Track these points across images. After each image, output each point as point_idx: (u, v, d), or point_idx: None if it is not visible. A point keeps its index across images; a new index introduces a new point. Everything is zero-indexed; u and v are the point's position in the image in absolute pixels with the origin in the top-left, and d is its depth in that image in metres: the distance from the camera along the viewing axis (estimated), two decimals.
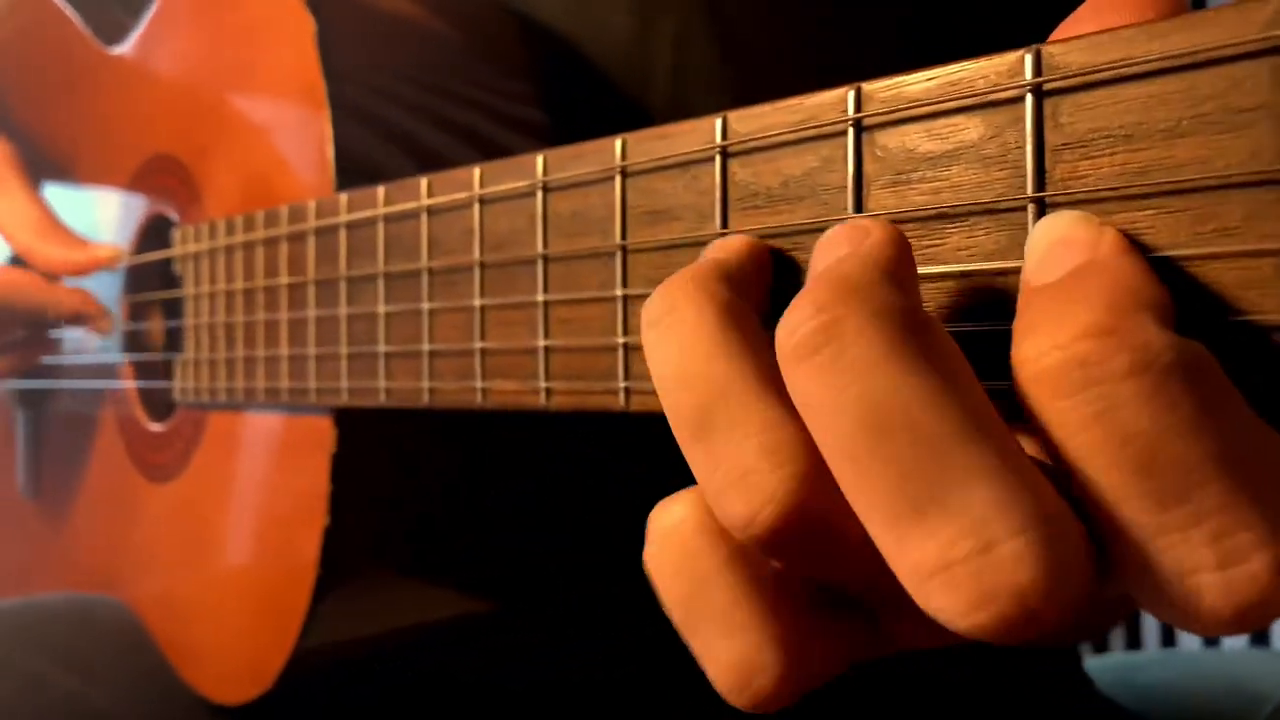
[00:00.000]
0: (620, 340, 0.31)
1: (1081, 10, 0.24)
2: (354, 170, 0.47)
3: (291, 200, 0.49)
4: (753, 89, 0.61)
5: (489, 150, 0.52)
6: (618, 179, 0.31)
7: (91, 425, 0.71)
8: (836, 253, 0.21)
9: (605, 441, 0.50)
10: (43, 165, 0.71)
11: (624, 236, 0.31)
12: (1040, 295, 0.19)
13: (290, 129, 0.49)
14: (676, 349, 0.23)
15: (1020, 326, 0.19)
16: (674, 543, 0.24)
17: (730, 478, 0.22)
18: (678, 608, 0.24)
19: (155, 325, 0.68)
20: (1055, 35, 0.25)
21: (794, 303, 0.20)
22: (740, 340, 0.23)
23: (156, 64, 0.61)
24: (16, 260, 0.76)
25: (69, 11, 0.76)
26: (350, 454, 0.46)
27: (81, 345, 0.70)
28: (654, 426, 0.39)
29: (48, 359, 0.72)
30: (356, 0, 0.52)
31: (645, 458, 0.58)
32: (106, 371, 0.69)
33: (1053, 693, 0.64)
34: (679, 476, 0.25)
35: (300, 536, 0.48)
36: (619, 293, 0.31)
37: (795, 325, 0.20)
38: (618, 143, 0.31)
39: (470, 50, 0.54)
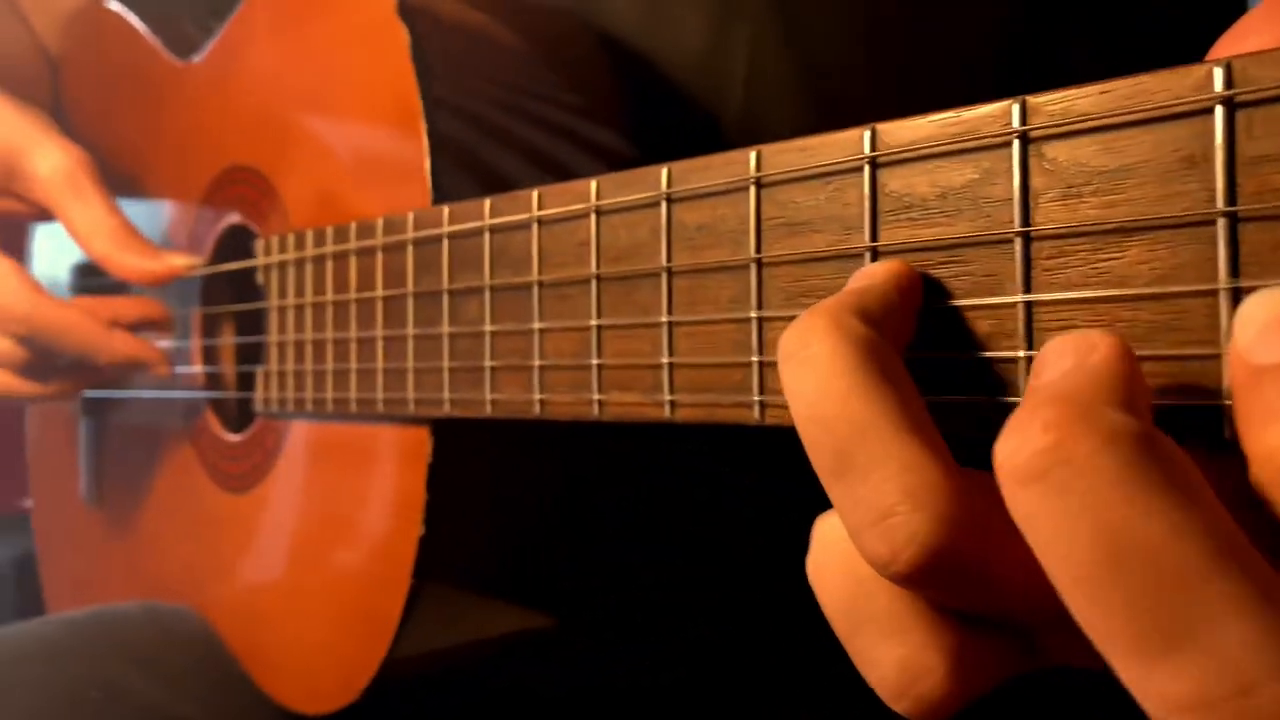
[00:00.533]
0: (755, 359, 0.31)
1: (1251, 19, 0.24)
2: (448, 182, 0.47)
3: (381, 213, 0.49)
4: (828, 99, 0.61)
5: (576, 163, 0.52)
6: (752, 190, 0.31)
7: (159, 434, 0.71)
8: (1060, 366, 0.20)
9: (702, 450, 0.50)
10: (112, 177, 0.72)
11: (759, 250, 0.31)
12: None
13: (382, 140, 0.49)
14: (813, 387, 0.23)
15: (1257, 412, 0.19)
16: (836, 550, 0.24)
17: (870, 518, 0.22)
18: (839, 614, 0.24)
19: (227, 337, 0.69)
20: (1224, 44, 0.25)
21: (1016, 418, 0.19)
22: (878, 380, 0.22)
23: (235, 75, 0.62)
24: (88, 272, 0.77)
25: (137, 24, 0.76)
26: (446, 464, 0.46)
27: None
28: (754, 435, 0.38)
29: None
30: (444, 13, 0.52)
31: (739, 465, 0.58)
32: (177, 382, 0.69)
33: None
34: (775, 485, 0.25)
35: (393, 546, 0.48)
36: (753, 311, 0.31)
37: (1019, 445, 0.19)
38: (752, 154, 0.31)
39: (552, 63, 0.54)
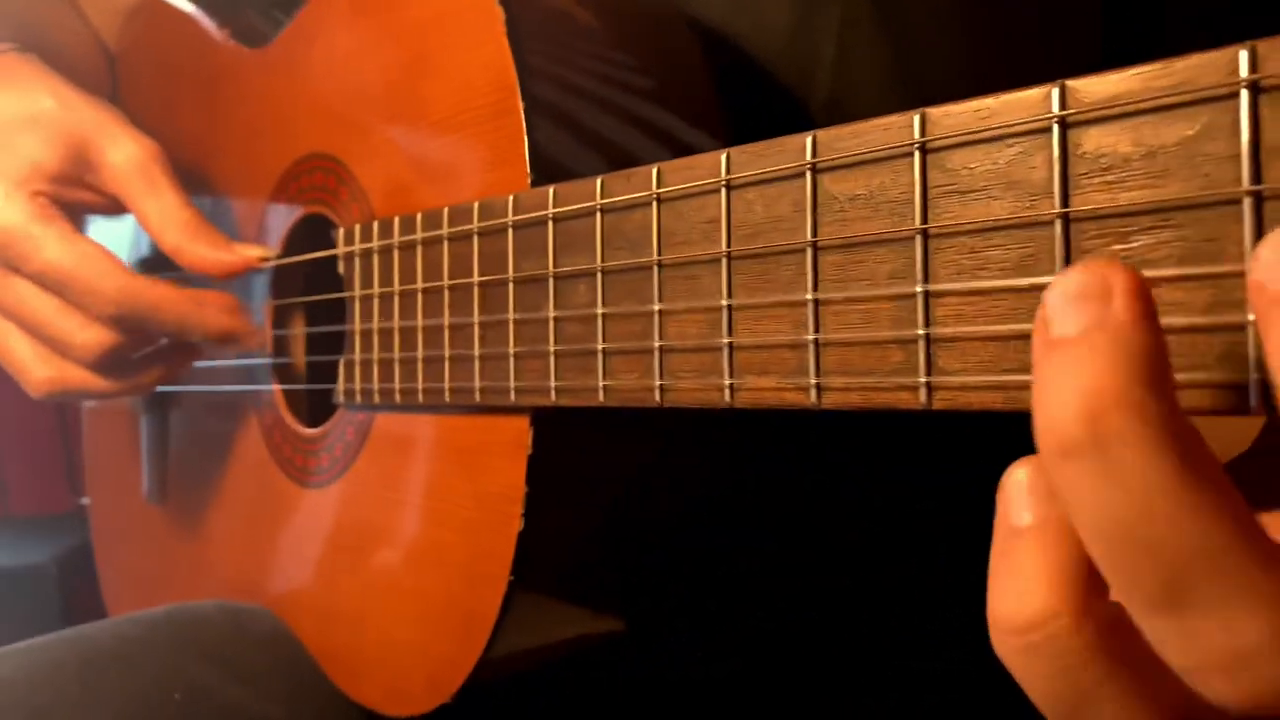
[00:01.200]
0: (921, 332, 0.29)
1: None
2: (544, 165, 0.45)
3: (473, 197, 0.47)
4: (922, 83, 0.58)
5: (667, 146, 0.50)
6: (916, 156, 0.29)
7: (227, 430, 0.70)
8: (1079, 317, 0.20)
9: (803, 440, 0.48)
10: (177, 171, 0.71)
11: (925, 220, 0.28)
12: None
13: (475, 123, 0.48)
14: (1123, 504, 0.19)
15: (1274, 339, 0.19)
16: (1046, 646, 0.21)
17: (1223, 660, 0.19)
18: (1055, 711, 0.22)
19: (298, 328, 0.67)
20: None
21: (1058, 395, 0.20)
22: (1213, 491, 0.19)
23: (311, 62, 0.60)
24: (157, 262, 0.76)
25: (198, 15, 0.75)
26: (547, 455, 0.44)
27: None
28: (857, 422, 0.36)
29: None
30: None
31: (846, 457, 0.56)
32: (243, 375, 0.68)
33: None
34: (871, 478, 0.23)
35: (490, 542, 0.46)
36: (919, 285, 0.29)
37: (1059, 421, 0.20)
38: (915, 118, 0.29)
39: (640, 44, 0.52)
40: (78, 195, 0.60)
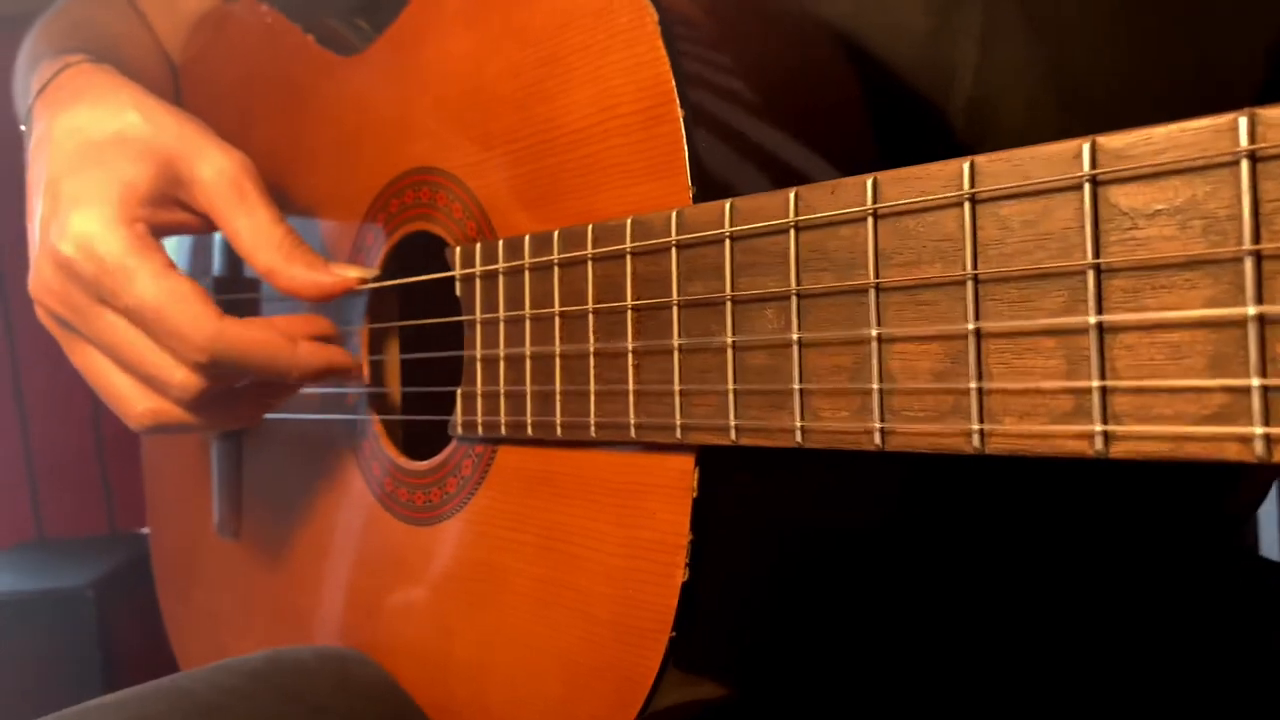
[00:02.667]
0: (1257, 383, 0.24)
1: None
2: (709, 179, 0.41)
3: (620, 213, 0.43)
4: (1073, 90, 0.54)
5: (828, 158, 0.46)
6: (1245, 166, 0.24)
7: (313, 461, 0.66)
8: None
9: (997, 478, 0.43)
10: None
11: (1256, 240, 0.24)
12: None
13: (621, 132, 0.43)
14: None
15: None
16: None
17: None
18: None
19: (392, 354, 0.63)
20: None
21: None
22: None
23: (417, 67, 0.57)
24: (225, 286, 0.72)
25: (275, 23, 0.72)
26: (716, 498, 0.40)
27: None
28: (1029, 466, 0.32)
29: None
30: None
31: (1049, 498, 0.52)
32: (331, 403, 0.64)
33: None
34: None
35: (647, 594, 0.42)
36: (1251, 307, 0.24)
37: None
38: (1241, 120, 0.24)
39: (793, 53, 0.48)
40: (170, 216, 0.56)
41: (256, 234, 0.56)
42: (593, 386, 0.43)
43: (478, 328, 0.50)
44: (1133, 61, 0.54)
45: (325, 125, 0.65)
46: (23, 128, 0.65)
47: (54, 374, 1.53)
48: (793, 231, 0.35)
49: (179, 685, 0.52)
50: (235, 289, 0.72)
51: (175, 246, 0.79)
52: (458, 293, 0.51)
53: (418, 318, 0.61)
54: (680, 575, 0.40)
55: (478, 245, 0.50)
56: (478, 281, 0.50)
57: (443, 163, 0.54)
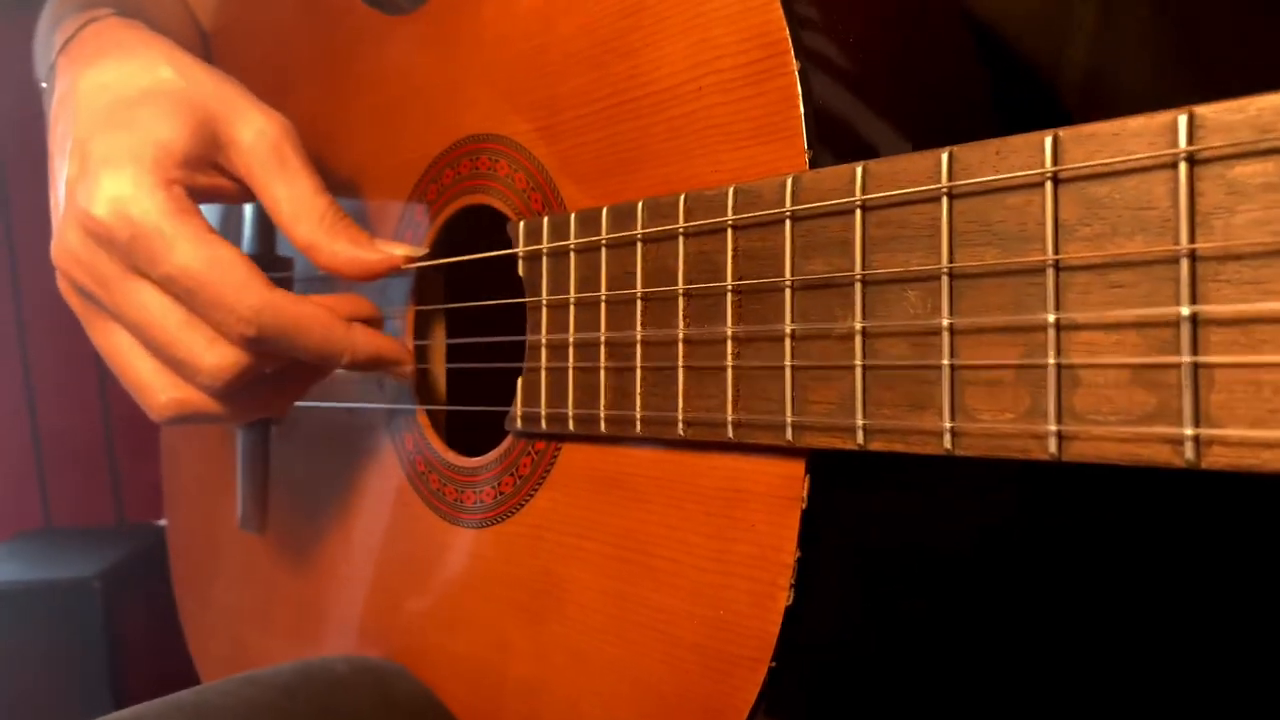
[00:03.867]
0: None
1: None
2: (830, 141, 0.36)
3: (718, 181, 0.38)
4: (1199, 57, 0.49)
5: (945, 122, 0.41)
6: None
7: (347, 452, 0.61)
8: None
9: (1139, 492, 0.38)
10: None
11: None
12: None
13: (721, 89, 0.38)
14: None
15: None
16: None
17: None
18: None
19: (438, 339, 0.58)
20: None
21: None
22: None
23: (477, 26, 0.51)
24: (265, 259, 0.67)
25: None
26: (827, 510, 0.35)
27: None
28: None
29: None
30: None
31: (1194, 516, 0.47)
32: (369, 390, 0.59)
33: None
34: None
35: (743, 617, 0.36)
36: None
37: None
38: None
39: (911, 8, 0.43)
40: (206, 180, 0.51)
41: (297, 204, 0.51)
42: (681, 378, 0.38)
43: (544, 311, 0.45)
44: (1271, 35, 0.49)
45: (370, 91, 0.60)
46: (43, 85, 0.60)
47: (63, 357, 1.50)
48: (945, 199, 0.30)
49: (204, 699, 0.47)
50: (267, 267, 0.67)
51: None
52: (520, 272, 0.46)
53: (467, 300, 0.56)
54: (784, 598, 0.35)
55: (545, 219, 0.45)
56: (545, 259, 0.45)
57: (504, 129, 0.49)
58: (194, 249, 0.46)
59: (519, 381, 0.46)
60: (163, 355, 0.48)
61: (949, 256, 0.30)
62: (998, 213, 0.29)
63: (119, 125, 0.49)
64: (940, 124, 0.40)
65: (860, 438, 0.32)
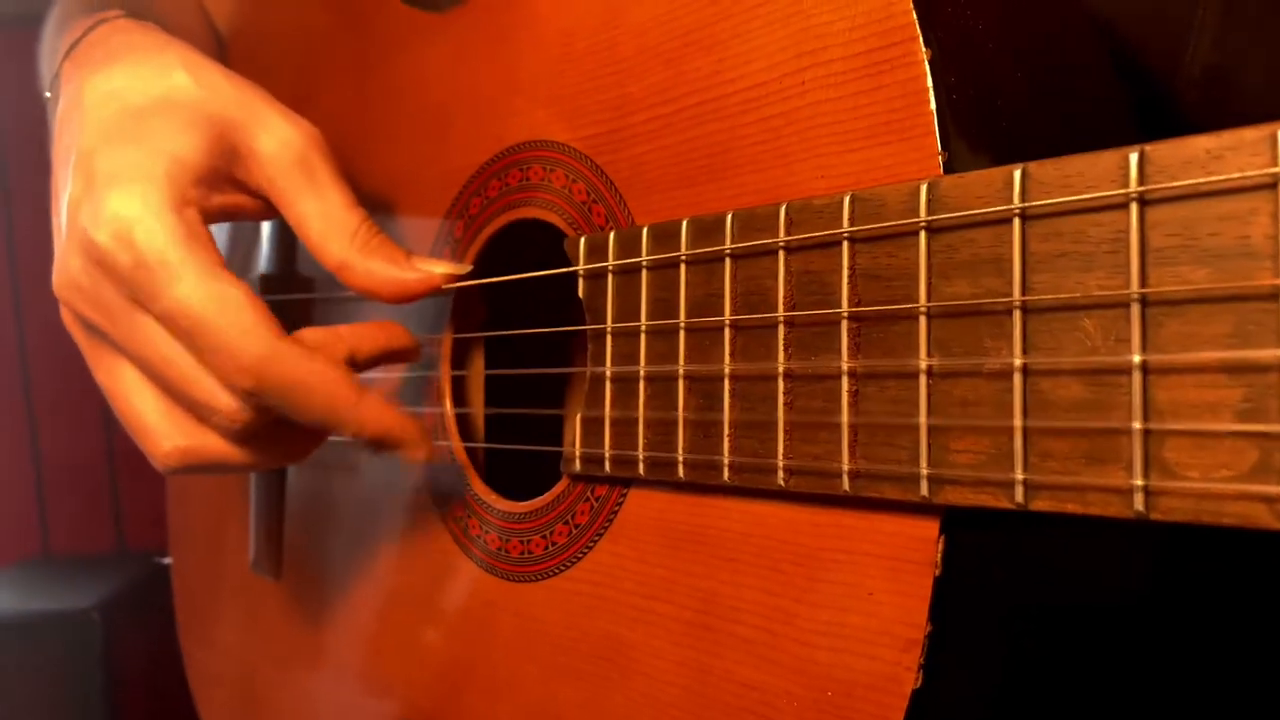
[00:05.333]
0: None
1: None
2: (965, 142, 0.30)
3: (818, 188, 0.33)
4: None
5: (1094, 132, 0.36)
6: None
7: (373, 493, 0.55)
8: None
9: None
10: None
11: None
12: None
13: (828, 84, 0.33)
14: None
15: None
16: None
17: None
18: None
19: (476, 369, 0.53)
20: None
21: None
22: None
23: (525, 25, 0.46)
24: (272, 285, 0.62)
25: None
26: (965, 579, 0.29)
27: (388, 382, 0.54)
28: None
29: None
30: None
31: None
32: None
33: None
34: None
35: (858, 699, 0.31)
36: None
37: None
38: None
39: (1039, 7, 0.38)
40: (225, 199, 0.46)
41: (327, 220, 0.46)
42: (781, 419, 0.33)
43: (608, 338, 0.39)
44: None
45: (405, 97, 0.55)
46: (47, 94, 0.55)
47: (65, 381, 1.46)
48: (1135, 207, 0.25)
49: None
50: (284, 288, 0.62)
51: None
52: (580, 294, 0.41)
53: (510, 324, 0.51)
54: (911, 679, 0.29)
55: (611, 234, 0.39)
56: (610, 279, 0.39)
57: (560, 135, 0.44)
58: (199, 283, 0.40)
59: (577, 419, 0.41)
60: (175, 394, 0.43)
61: (1141, 278, 0.24)
62: (1208, 224, 0.23)
63: (128, 138, 0.44)
64: (1080, 125, 0.35)
65: (1020, 495, 0.26)
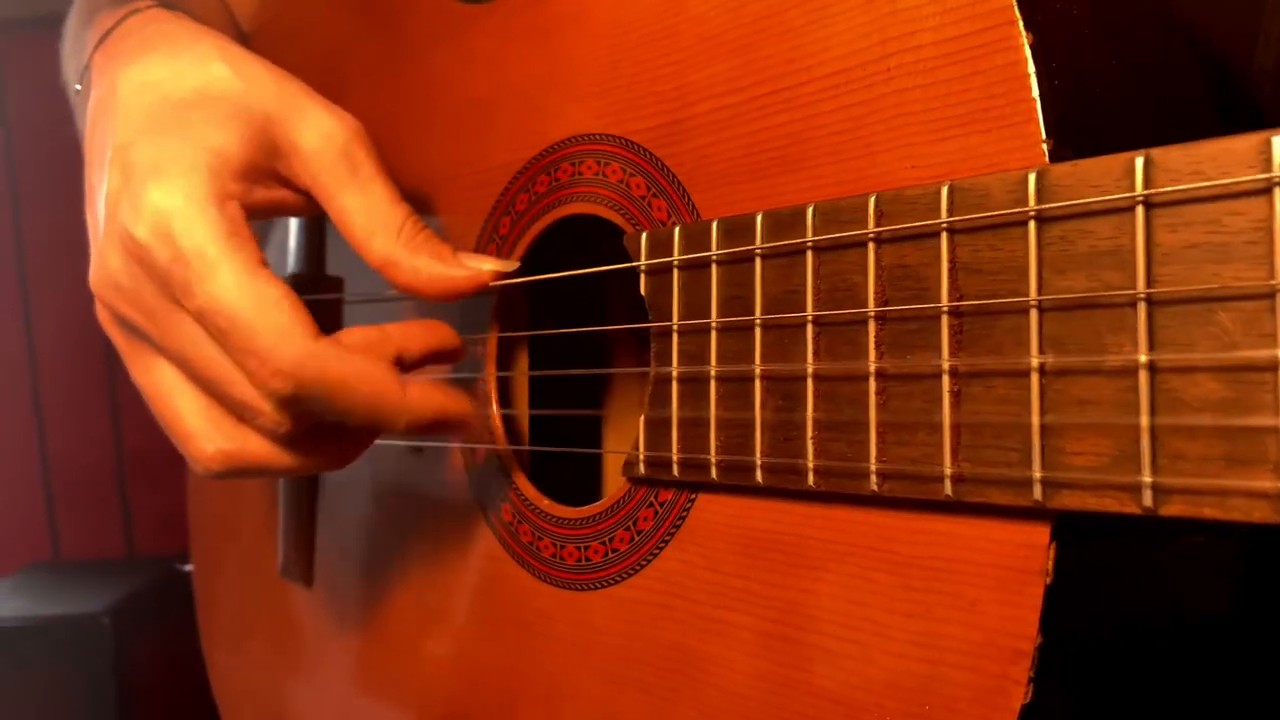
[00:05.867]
0: None
1: None
2: (1070, 130, 0.29)
3: (906, 179, 0.31)
4: None
5: (1185, 122, 0.34)
6: None
7: (412, 493, 0.54)
8: None
9: None
10: None
11: None
12: None
13: (916, 70, 0.32)
14: None
15: None
16: None
17: None
18: None
19: (520, 369, 0.51)
20: None
21: None
22: None
23: (577, 13, 0.45)
24: (302, 285, 0.61)
25: None
26: (1075, 587, 0.28)
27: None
28: None
29: None
30: None
31: None
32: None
33: None
34: None
35: (959, 715, 0.29)
36: None
37: None
38: None
39: None
40: (266, 195, 0.44)
41: (372, 215, 0.45)
42: (873, 420, 0.31)
43: (674, 337, 0.38)
44: None
45: (445, 91, 0.53)
46: (76, 87, 0.54)
47: (74, 384, 1.44)
48: (1279, 194, 0.23)
49: None
50: (315, 289, 0.61)
51: None
52: (642, 291, 0.39)
53: (550, 325, 0.49)
54: (1020, 694, 0.28)
55: (676, 228, 0.38)
56: (676, 275, 0.38)
57: (615, 127, 0.43)
58: (236, 281, 0.39)
59: (641, 420, 0.39)
60: (217, 395, 0.41)
61: None
62: None
63: (167, 130, 0.42)
64: (1171, 114, 0.33)
65: (1149, 499, 0.25)
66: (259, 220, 0.46)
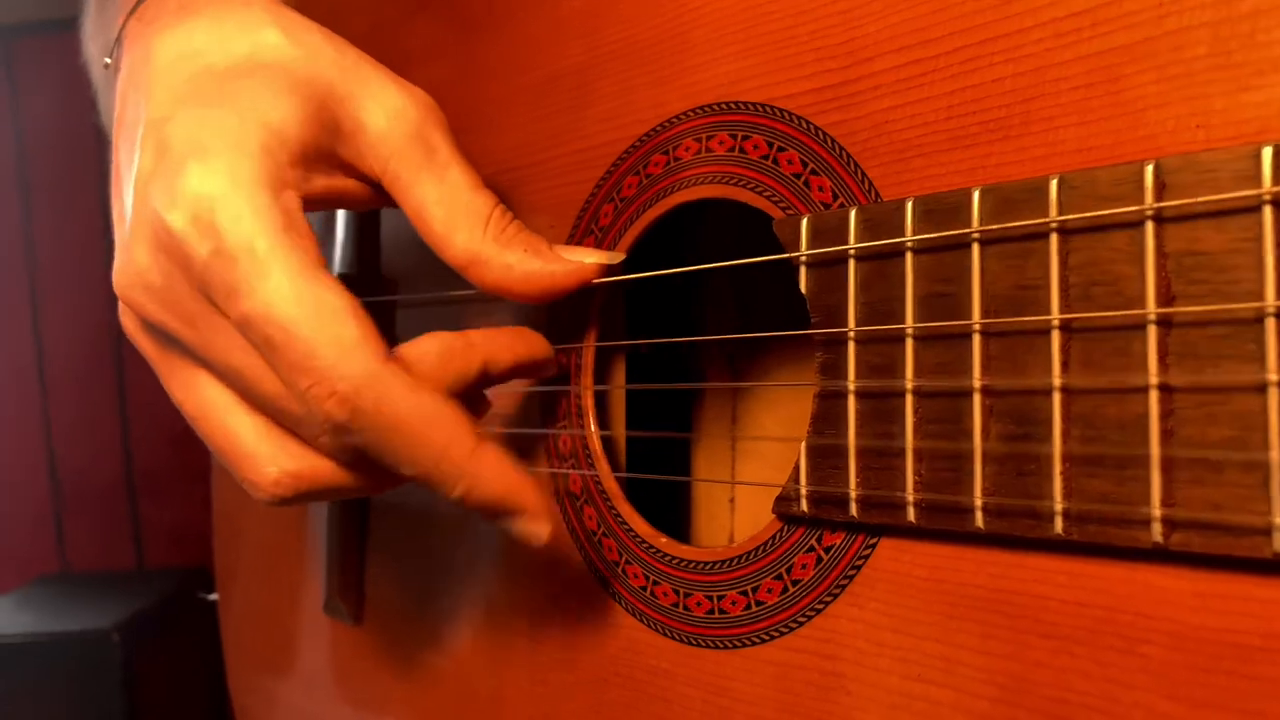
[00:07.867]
0: None
1: None
2: None
3: (1205, 143, 0.24)
4: None
5: None
6: None
7: (482, 527, 0.47)
8: None
9: None
10: None
11: None
12: None
13: (1202, 5, 0.25)
14: None
15: None
16: None
17: None
18: None
19: (617, 381, 0.44)
20: None
21: None
22: None
23: None
24: (370, 282, 0.53)
25: None
26: None
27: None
28: None
29: None
30: None
31: None
32: (533, 441, 0.45)
33: None
34: None
35: None
36: None
37: None
38: None
39: None
40: (328, 182, 0.37)
41: (452, 206, 0.38)
42: (1155, 453, 0.24)
43: (849, 345, 0.31)
44: None
45: (523, 64, 0.46)
46: (106, 61, 0.47)
47: (83, 396, 1.42)
48: None
49: None
50: (367, 291, 0.54)
51: None
52: (803, 288, 0.32)
53: (661, 327, 0.43)
54: None
55: (851, 211, 0.31)
56: (852, 268, 0.31)
57: (759, 93, 0.36)
58: (291, 285, 0.31)
59: (801, 447, 0.32)
60: (272, 411, 0.34)
61: None
62: None
63: (210, 101, 0.35)
64: None
65: None
66: (314, 211, 0.39)
